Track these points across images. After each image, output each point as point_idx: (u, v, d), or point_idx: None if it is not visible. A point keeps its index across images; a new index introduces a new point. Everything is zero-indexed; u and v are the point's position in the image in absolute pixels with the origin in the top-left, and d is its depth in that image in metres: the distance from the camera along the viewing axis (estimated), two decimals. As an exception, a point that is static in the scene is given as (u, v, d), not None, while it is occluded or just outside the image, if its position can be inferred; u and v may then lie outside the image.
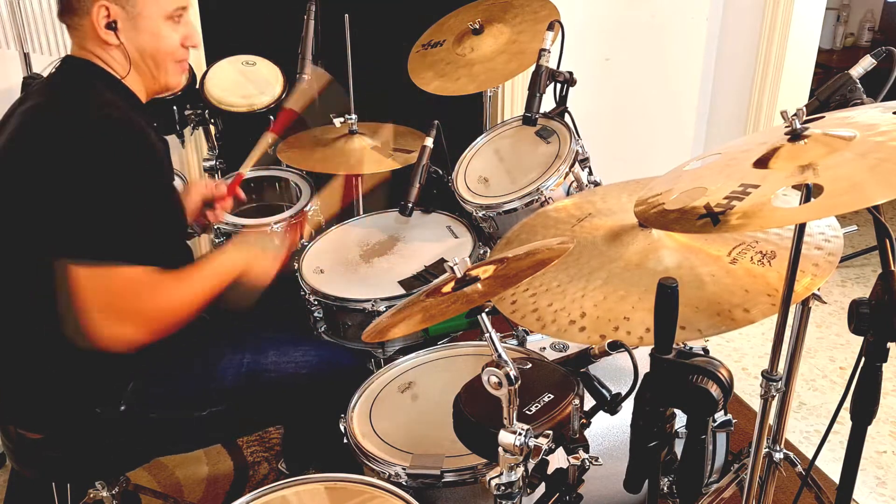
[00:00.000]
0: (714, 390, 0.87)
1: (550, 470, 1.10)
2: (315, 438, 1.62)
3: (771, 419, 1.40)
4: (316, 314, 1.77)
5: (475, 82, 2.04)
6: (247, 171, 1.85)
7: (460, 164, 1.96)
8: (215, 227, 1.98)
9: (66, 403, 1.38)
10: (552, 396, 1.11)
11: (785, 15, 2.83)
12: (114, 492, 1.58)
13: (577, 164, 1.76)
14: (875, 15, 4.42)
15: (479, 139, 2.00)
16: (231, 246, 1.54)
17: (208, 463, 2.17)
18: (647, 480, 0.96)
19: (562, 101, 1.91)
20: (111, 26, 1.33)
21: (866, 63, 1.29)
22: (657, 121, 3.16)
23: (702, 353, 0.93)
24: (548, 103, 1.89)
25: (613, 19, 2.90)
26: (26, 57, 2.15)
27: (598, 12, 2.86)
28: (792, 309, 1.16)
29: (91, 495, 1.59)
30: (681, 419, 0.94)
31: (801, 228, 1.04)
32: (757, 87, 2.99)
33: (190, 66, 2.20)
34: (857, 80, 1.29)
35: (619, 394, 1.18)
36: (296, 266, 1.84)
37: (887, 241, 1.00)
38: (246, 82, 2.25)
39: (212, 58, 2.31)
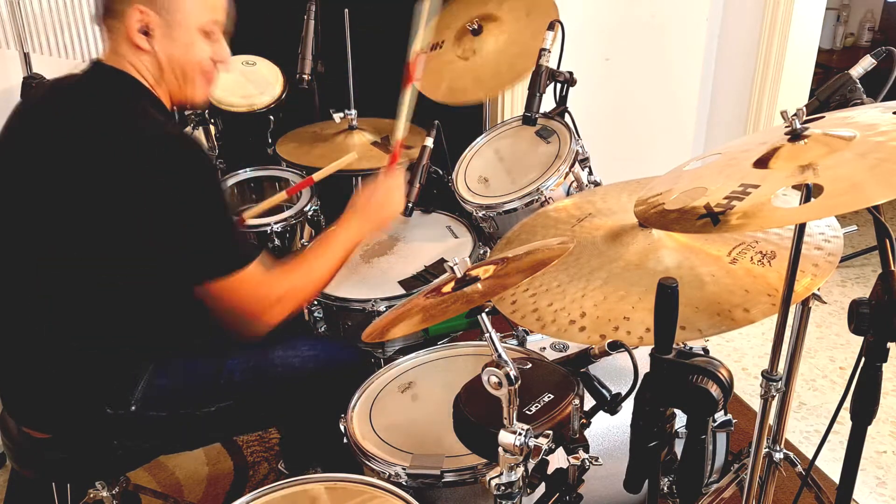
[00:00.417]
0: (714, 390, 0.87)
1: (550, 470, 1.10)
2: (315, 438, 1.62)
3: (771, 419, 1.40)
4: (316, 314, 1.77)
5: (483, 88, 2.04)
6: (250, 218, 1.86)
7: (460, 164, 1.96)
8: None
9: (76, 403, 1.38)
10: (552, 396, 1.11)
11: (785, 15, 2.83)
12: (114, 492, 1.58)
13: (577, 164, 1.76)
14: (875, 15, 4.42)
15: (479, 139, 2.00)
16: (351, 212, 1.57)
17: (208, 463, 2.17)
18: (647, 480, 0.96)
19: (562, 101, 1.91)
20: (145, 32, 1.33)
21: (866, 63, 1.29)
22: (657, 121, 3.16)
23: (702, 353, 0.93)
24: (548, 103, 1.89)
25: (613, 19, 2.90)
26: (26, 57, 2.15)
27: (598, 12, 2.86)
28: (792, 309, 1.16)
29: (91, 495, 1.59)
30: (681, 419, 0.94)
31: (801, 228, 1.04)
32: (757, 87, 2.99)
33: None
34: (857, 80, 1.29)
35: (619, 394, 1.18)
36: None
37: (887, 241, 1.00)
38: (246, 82, 2.25)
39: (212, 58, 2.30)
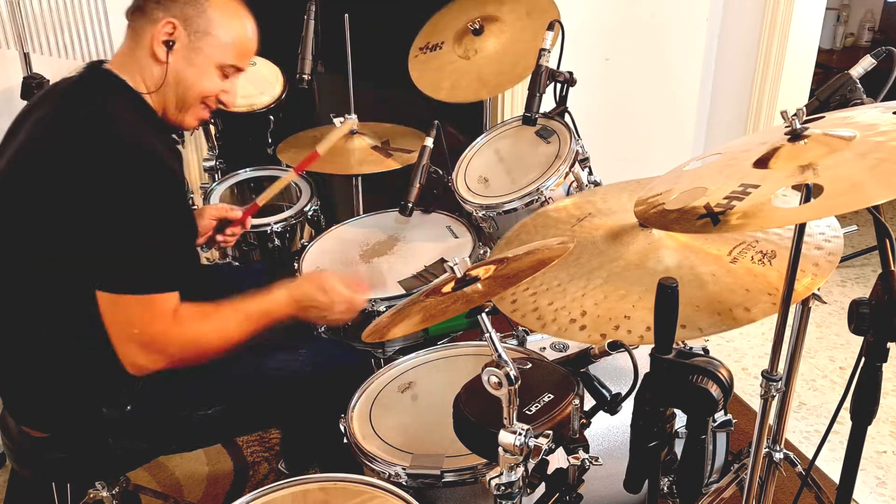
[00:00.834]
0: (714, 390, 0.87)
1: (550, 470, 1.10)
2: (315, 438, 1.62)
3: (771, 419, 1.40)
4: (316, 314, 1.77)
5: (486, 87, 2.04)
6: (263, 202, 1.83)
7: (460, 164, 1.96)
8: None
9: (73, 403, 1.38)
10: (552, 396, 1.11)
11: (785, 15, 2.83)
12: (114, 492, 1.58)
13: (577, 164, 1.76)
14: (875, 15, 4.42)
15: (479, 139, 2.00)
16: (286, 289, 1.44)
17: (208, 463, 2.17)
18: (647, 480, 0.96)
19: (562, 101, 1.91)
20: (168, 44, 1.34)
21: (866, 63, 1.29)
22: (657, 121, 3.16)
23: (702, 353, 0.93)
24: (548, 103, 1.89)
25: (613, 19, 2.90)
26: (26, 57, 2.15)
27: (598, 12, 2.86)
28: (792, 309, 1.16)
29: (91, 495, 1.59)
30: (681, 419, 0.94)
31: (801, 228, 1.04)
32: (757, 87, 2.99)
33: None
34: (857, 80, 1.29)
35: (619, 394, 1.18)
36: (296, 266, 1.84)
37: (887, 241, 1.00)
38: (246, 82, 2.25)
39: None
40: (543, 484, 1.10)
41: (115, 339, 1.27)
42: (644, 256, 1.27)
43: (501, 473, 1.02)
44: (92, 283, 1.25)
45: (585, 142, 1.81)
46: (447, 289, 1.07)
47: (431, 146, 1.90)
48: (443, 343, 1.60)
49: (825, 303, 1.62)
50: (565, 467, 1.12)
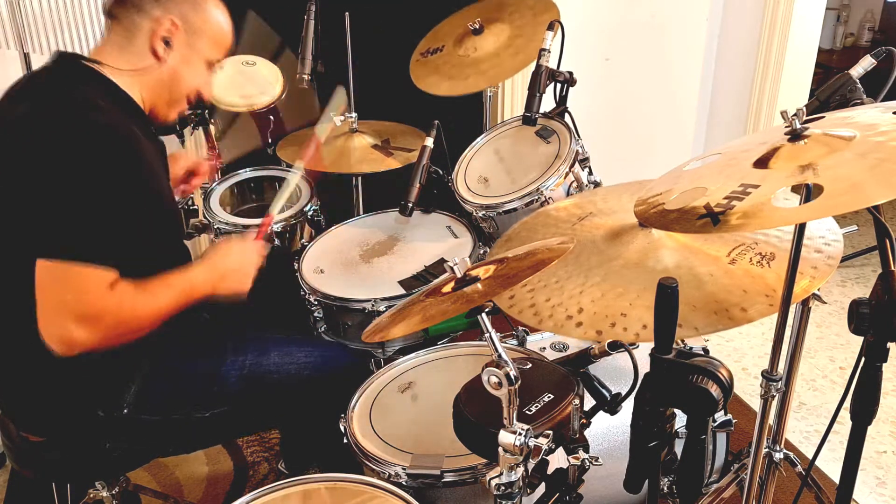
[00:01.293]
0: (714, 390, 0.87)
1: (550, 470, 1.10)
2: (315, 438, 1.62)
3: (771, 419, 1.40)
4: (316, 314, 1.77)
5: (485, 77, 2.05)
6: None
7: (460, 164, 1.96)
8: (215, 226, 1.98)
9: (69, 406, 1.38)
10: (552, 396, 1.11)
11: (785, 15, 2.83)
12: (114, 492, 1.58)
13: (577, 164, 1.76)
14: (875, 15, 4.42)
15: (479, 139, 2.00)
16: (203, 261, 1.46)
17: (208, 463, 2.17)
18: (647, 480, 0.96)
19: (562, 101, 1.91)
20: (166, 42, 1.35)
21: (866, 63, 1.29)
22: (657, 121, 3.16)
23: (702, 352, 0.93)
24: (548, 103, 1.89)
25: (613, 19, 2.90)
26: (26, 57, 2.15)
27: (598, 12, 2.86)
28: (792, 309, 1.16)
29: (91, 495, 1.59)
30: (681, 419, 0.94)
31: (800, 229, 1.04)
32: (757, 87, 2.99)
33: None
34: (857, 80, 1.29)
35: (619, 394, 1.18)
36: (295, 266, 1.84)
37: (887, 241, 1.00)
38: (246, 82, 2.25)
39: (211, 58, 2.30)
40: (543, 484, 1.10)
41: (48, 311, 1.23)
42: (643, 256, 1.27)
43: (501, 473, 1.02)
44: (37, 250, 1.22)
45: (585, 142, 1.81)
46: (447, 289, 1.07)
47: (431, 146, 1.90)
48: (443, 343, 1.60)
49: (825, 303, 1.62)
50: (565, 467, 1.12)
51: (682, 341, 1.39)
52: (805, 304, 1.41)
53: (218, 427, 1.48)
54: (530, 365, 1.19)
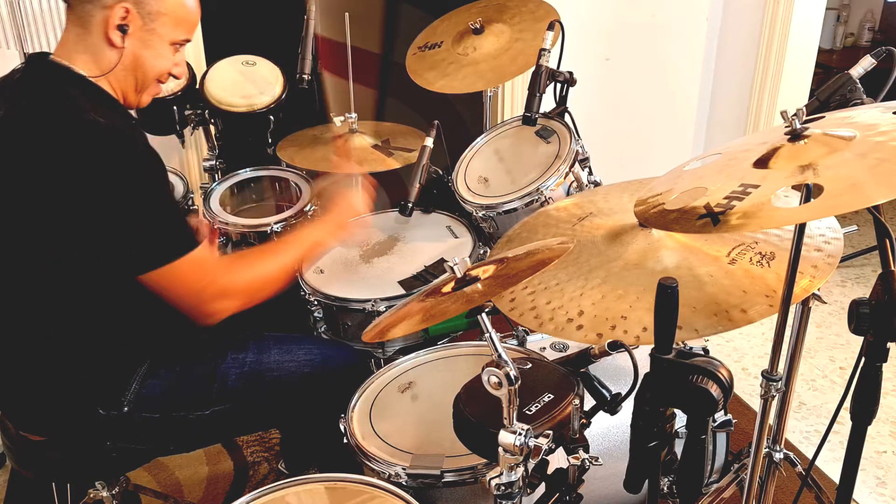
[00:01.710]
0: (714, 390, 0.87)
1: (550, 470, 1.10)
2: (315, 438, 1.62)
3: (771, 419, 1.40)
4: (316, 314, 1.77)
5: (483, 79, 2.05)
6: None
7: (460, 164, 1.96)
8: (215, 227, 1.98)
9: (69, 405, 1.38)
10: (552, 396, 1.11)
11: (785, 15, 2.83)
12: (114, 492, 1.58)
13: (577, 164, 1.76)
14: (875, 15, 4.42)
15: (479, 139, 2.00)
16: (309, 225, 1.60)
17: (208, 463, 2.17)
18: (647, 480, 0.96)
19: (562, 101, 1.91)
20: (122, 29, 1.34)
21: (866, 63, 1.29)
22: (657, 121, 3.16)
23: (702, 353, 0.93)
24: (548, 103, 1.89)
25: (613, 19, 2.90)
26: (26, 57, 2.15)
27: (598, 12, 2.86)
28: (792, 309, 1.16)
29: (91, 495, 1.59)
30: (681, 419, 0.94)
31: (801, 228, 1.04)
32: (757, 87, 2.99)
33: (190, 66, 2.21)
34: (857, 80, 1.29)
35: (619, 394, 1.18)
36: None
37: (887, 241, 1.00)
38: (246, 82, 2.25)
39: (212, 58, 2.31)
40: (543, 484, 1.10)
41: (189, 305, 1.33)
42: (643, 257, 1.27)
43: (501, 473, 1.02)
44: (132, 272, 1.28)
45: (585, 142, 1.81)
46: (447, 289, 1.07)
47: (431, 146, 1.90)
48: (443, 343, 1.60)
49: (825, 303, 1.62)
50: (565, 467, 1.12)
51: (683, 342, 1.39)
52: (805, 304, 1.41)
53: (218, 425, 1.48)
54: (530, 365, 1.19)
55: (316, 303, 1.75)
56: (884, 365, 1.01)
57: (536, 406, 1.09)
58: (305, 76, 2.07)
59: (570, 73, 1.88)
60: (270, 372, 1.49)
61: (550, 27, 1.89)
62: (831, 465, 2.08)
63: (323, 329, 1.78)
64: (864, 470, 2.12)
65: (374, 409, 1.39)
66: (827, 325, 2.84)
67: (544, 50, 1.85)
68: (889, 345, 0.99)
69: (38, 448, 1.42)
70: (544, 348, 1.58)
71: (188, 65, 2.04)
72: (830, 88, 1.30)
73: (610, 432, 1.45)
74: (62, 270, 1.29)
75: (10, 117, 1.30)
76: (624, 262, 1.27)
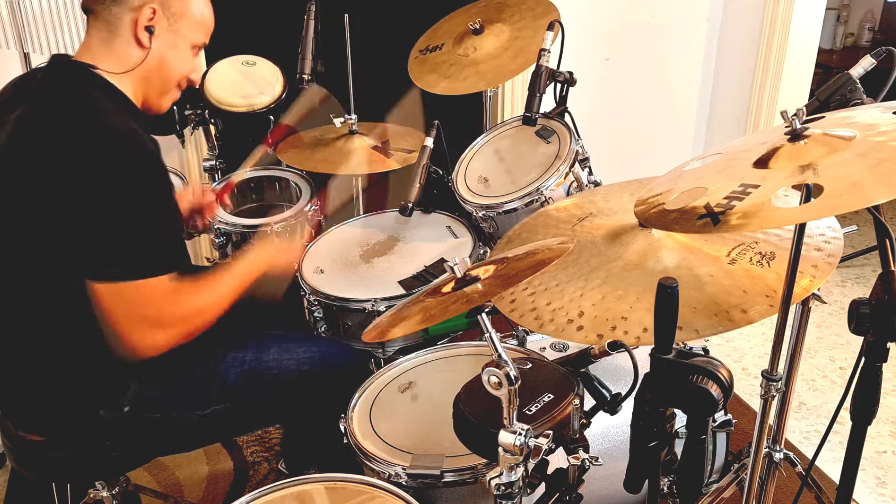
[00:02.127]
0: (714, 390, 0.87)
1: (550, 470, 1.10)
2: (315, 438, 1.62)
3: (771, 419, 1.40)
4: (316, 314, 1.77)
5: (484, 80, 2.05)
6: (237, 179, 1.89)
7: (460, 164, 1.96)
8: (215, 226, 1.98)
9: (69, 406, 1.38)
10: (552, 396, 1.11)
11: (785, 15, 2.83)
12: (114, 492, 1.58)
13: (577, 164, 1.76)
14: (875, 15, 4.42)
15: (479, 139, 2.00)
16: (253, 246, 1.57)
17: (208, 463, 2.17)
18: (647, 480, 0.96)
19: (562, 101, 1.91)
20: (149, 30, 1.35)
21: (866, 63, 1.29)
22: (657, 121, 3.16)
23: (702, 353, 0.93)
24: (548, 103, 1.89)
25: (613, 19, 2.90)
26: (26, 57, 2.15)
27: (598, 12, 2.86)
28: (792, 309, 1.16)
29: (91, 495, 1.59)
30: (681, 419, 0.94)
31: (801, 228, 1.04)
32: (757, 87, 2.99)
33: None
34: (857, 80, 1.29)
35: (619, 394, 1.18)
36: (296, 266, 1.84)
37: (887, 241, 1.00)
38: (246, 82, 2.25)
39: (212, 58, 2.31)
40: (543, 484, 1.10)
41: (123, 325, 1.27)
42: (643, 257, 1.27)
43: (501, 473, 1.02)
44: (88, 275, 1.25)
45: (585, 142, 1.81)
46: (447, 289, 1.07)
47: (431, 146, 1.90)
48: (443, 343, 1.60)
49: (825, 303, 1.62)
50: (565, 467, 1.12)
51: (683, 342, 1.39)
52: (805, 304, 1.41)
53: (219, 424, 1.48)
54: (530, 365, 1.19)
55: (316, 302, 1.75)
56: (884, 365, 1.01)
57: (536, 406, 1.09)
58: (305, 76, 2.07)
59: (570, 73, 1.88)
60: (270, 370, 1.49)
61: (550, 27, 1.89)
62: (831, 465, 2.08)
63: (323, 329, 1.78)
64: (864, 470, 2.12)
65: (374, 408, 1.39)
66: (827, 325, 2.84)
67: (544, 50, 1.85)
68: (889, 345, 0.99)
69: (37, 448, 1.42)
70: (544, 348, 1.58)
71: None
72: (830, 88, 1.30)
73: (610, 432, 1.45)
74: (64, 270, 1.29)
75: (30, 115, 1.30)
76: (624, 263, 1.27)
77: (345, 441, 1.32)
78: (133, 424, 1.39)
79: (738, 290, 1.15)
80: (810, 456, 2.04)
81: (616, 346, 1.12)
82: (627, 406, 1.01)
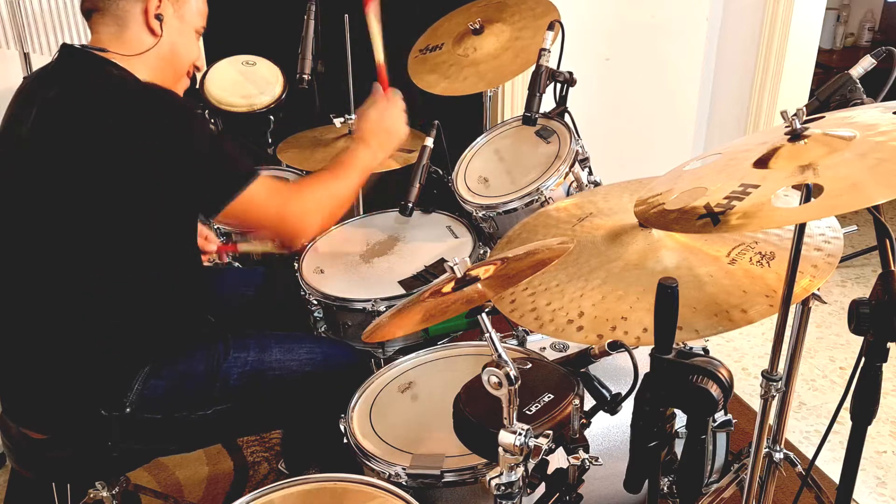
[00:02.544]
0: (714, 390, 0.87)
1: (550, 470, 1.10)
2: (315, 438, 1.62)
3: (771, 419, 1.40)
4: (316, 314, 1.77)
5: (484, 80, 2.05)
6: (242, 249, 1.97)
7: (460, 164, 1.96)
8: (215, 226, 1.98)
9: (71, 405, 1.38)
10: (552, 396, 1.11)
11: (785, 15, 2.84)
12: (114, 492, 1.58)
13: (577, 164, 1.76)
14: (875, 15, 4.43)
15: (479, 139, 2.00)
16: (358, 144, 1.62)
17: (208, 463, 2.17)
18: (647, 480, 0.96)
19: (562, 101, 1.91)
20: (158, 18, 1.39)
21: (866, 63, 1.29)
22: (657, 121, 3.16)
23: (702, 353, 0.93)
24: (548, 103, 1.89)
25: (613, 19, 2.90)
26: (26, 57, 2.15)
27: (598, 12, 2.86)
28: (792, 309, 1.16)
29: (91, 495, 1.59)
30: (681, 419, 0.94)
31: (801, 228, 1.04)
32: (757, 87, 2.99)
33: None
34: (857, 80, 1.29)
35: (619, 394, 1.18)
36: (296, 266, 1.84)
37: (887, 241, 1.00)
38: (246, 82, 2.26)
39: (212, 58, 2.31)
40: (543, 484, 1.10)
41: (273, 227, 1.43)
42: (643, 257, 1.27)
43: (501, 473, 1.02)
44: (208, 212, 1.35)
45: (585, 142, 1.81)
46: (447, 289, 1.07)
47: (431, 146, 1.90)
48: (443, 343, 1.60)
49: (825, 303, 1.61)
50: (565, 467, 1.12)
51: (683, 342, 1.39)
52: (805, 304, 1.41)
53: (220, 425, 1.48)
54: (530, 365, 1.19)
55: (316, 303, 1.75)
56: (884, 365, 1.01)
57: (536, 406, 1.09)
58: (305, 76, 2.07)
59: (570, 73, 1.88)
60: (272, 371, 1.49)
61: (550, 27, 1.88)
62: (831, 465, 2.08)
63: (323, 329, 1.78)
64: (864, 470, 2.12)
65: (375, 408, 1.39)
66: (827, 325, 2.84)
67: (544, 50, 1.85)
68: (889, 345, 0.99)
69: (38, 448, 1.42)
70: (544, 348, 1.58)
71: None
72: (830, 88, 1.30)
73: (610, 432, 1.45)
74: (72, 268, 1.29)
75: (67, 92, 1.32)
76: (624, 263, 1.27)
77: (345, 441, 1.32)
78: (135, 425, 1.39)
79: (738, 290, 1.15)
80: (810, 456, 2.04)
81: (616, 346, 1.12)
82: (627, 406, 1.01)
